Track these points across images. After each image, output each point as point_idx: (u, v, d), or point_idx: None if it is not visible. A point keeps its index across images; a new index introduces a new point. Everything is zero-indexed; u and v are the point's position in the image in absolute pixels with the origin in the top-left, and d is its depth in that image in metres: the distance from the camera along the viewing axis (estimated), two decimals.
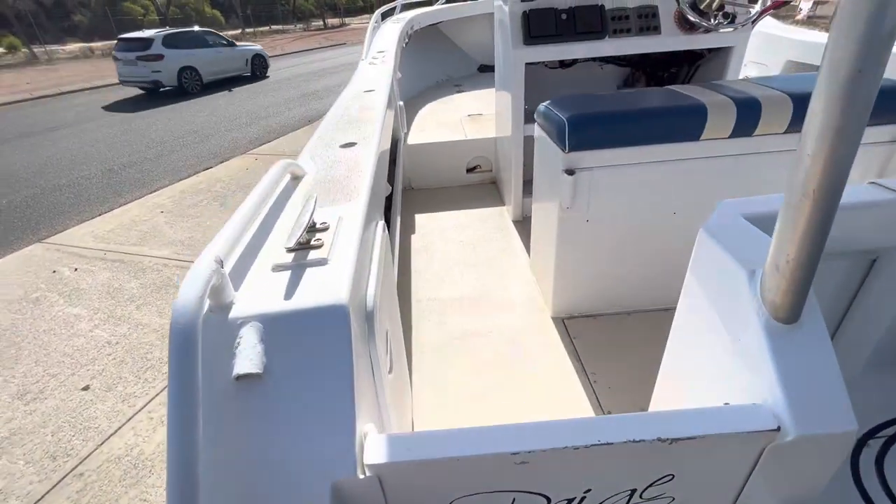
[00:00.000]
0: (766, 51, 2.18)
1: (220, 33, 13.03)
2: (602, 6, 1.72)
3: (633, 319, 1.44)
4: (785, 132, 1.16)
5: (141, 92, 11.44)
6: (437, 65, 4.09)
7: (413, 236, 2.06)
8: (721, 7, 1.64)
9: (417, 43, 3.58)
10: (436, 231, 2.09)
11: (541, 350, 1.38)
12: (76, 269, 3.56)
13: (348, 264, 0.66)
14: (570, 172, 1.19)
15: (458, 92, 3.64)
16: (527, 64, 1.75)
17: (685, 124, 1.17)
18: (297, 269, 0.66)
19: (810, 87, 1.21)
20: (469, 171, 2.52)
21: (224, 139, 7.24)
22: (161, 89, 10.90)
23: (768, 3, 1.62)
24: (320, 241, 0.70)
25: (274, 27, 40.49)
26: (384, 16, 3.78)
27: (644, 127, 1.18)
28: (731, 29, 1.66)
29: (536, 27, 1.70)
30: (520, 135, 1.89)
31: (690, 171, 1.24)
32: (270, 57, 14.05)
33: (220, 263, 0.56)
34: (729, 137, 1.18)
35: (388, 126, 1.30)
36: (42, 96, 12.35)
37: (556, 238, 1.32)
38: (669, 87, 1.34)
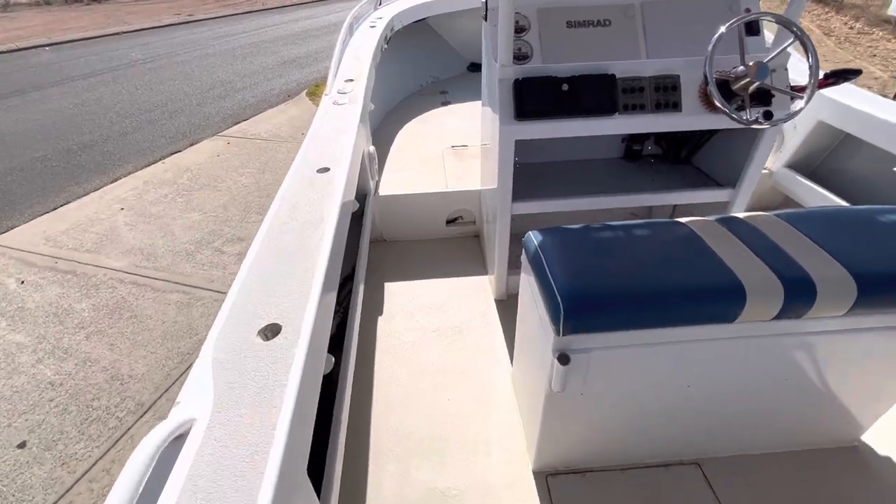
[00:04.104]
0: None
1: None
2: (613, 75, 1.38)
3: (627, 476, 1.25)
4: (845, 315, 0.93)
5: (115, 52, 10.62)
6: (421, 64, 3.66)
7: (380, 318, 1.81)
8: (757, 92, 1.35)
9: (399, 40, 3.17)
10: (406, 312, 1.81)
11: None
12: (23, 282, 3.26)
13: None
14: (564, 360, 0.95)
15: (443, 104, 3.27)
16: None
17: (717, 308, 0.91)
18: None
19: (881, 264, 0.92)
20: (449, 222, 2.24)
21: (195, 115, 6.71)
22: None
23: (812, 89, 1.29)
24: None
25: None
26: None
27: (664, 310, 0.92)
28: (766, 126, 1.36)
29: (530, 101, 1.36)
30: (507, 215, 1.61)
31: (718, 351, 1.00)
32: (250, 13, 13.04)
33: None
34: (772, 320, 0.95)
35: (336, 269, 1.03)
36: None
37: (542, 408, 1.09)
38: (690, 225, 1.06)
